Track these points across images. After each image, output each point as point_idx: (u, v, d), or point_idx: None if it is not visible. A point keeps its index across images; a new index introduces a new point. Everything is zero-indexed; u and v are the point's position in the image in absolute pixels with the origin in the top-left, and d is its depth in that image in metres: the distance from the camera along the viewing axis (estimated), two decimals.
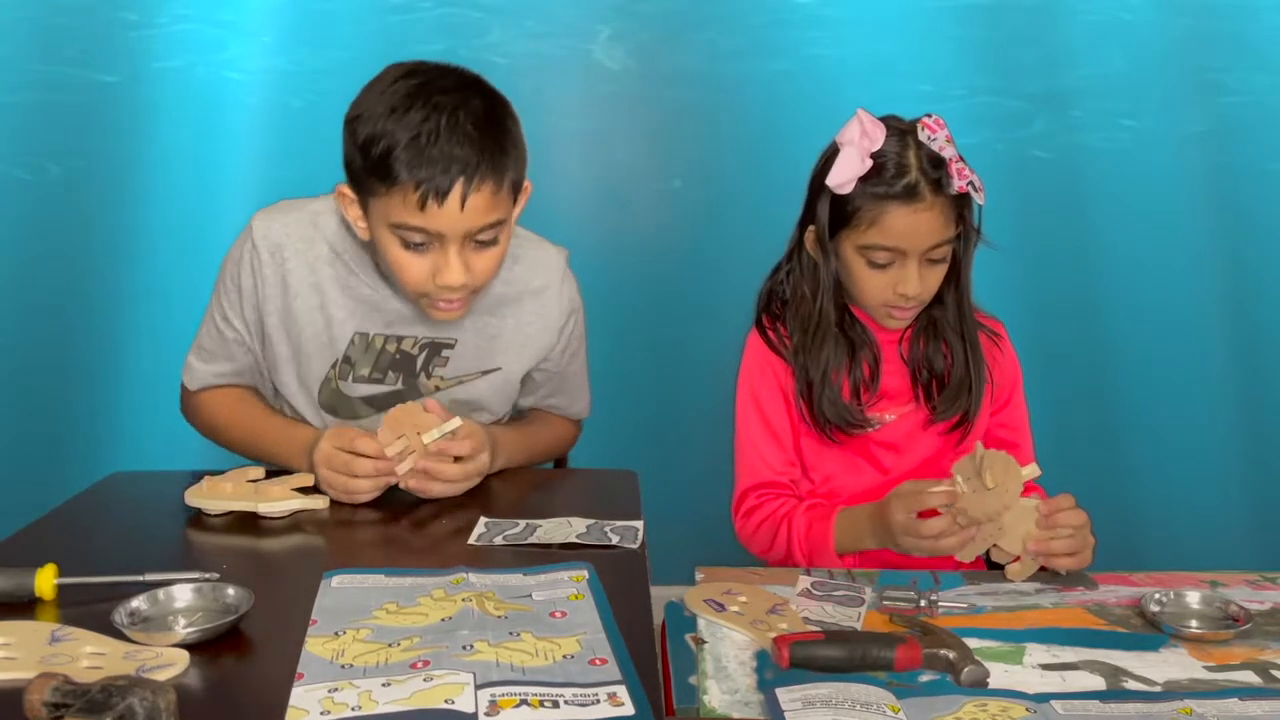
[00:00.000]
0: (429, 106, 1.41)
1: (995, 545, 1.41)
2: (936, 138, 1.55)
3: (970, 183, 1.55)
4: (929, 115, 1.57)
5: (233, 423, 1.66)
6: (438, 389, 1.65)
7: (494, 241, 1.49)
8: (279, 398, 1.71)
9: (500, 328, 1.66)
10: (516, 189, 1.51)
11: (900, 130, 1.57)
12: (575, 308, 1.72)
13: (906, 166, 1.54)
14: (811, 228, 1.64)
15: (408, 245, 1.46)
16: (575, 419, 1.84)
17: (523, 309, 1.67)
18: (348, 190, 1.50)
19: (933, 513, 1.43)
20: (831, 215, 1.60)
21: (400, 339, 1.62)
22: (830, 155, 1.60)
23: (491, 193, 1.43)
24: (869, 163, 1.55)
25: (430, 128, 1.40)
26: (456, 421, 1.49)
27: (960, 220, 1.60)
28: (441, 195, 1.40)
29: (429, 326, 1.62)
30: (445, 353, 1.64)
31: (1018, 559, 1.41)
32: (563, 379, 1.76)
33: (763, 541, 1.65)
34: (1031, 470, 1.41)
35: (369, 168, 1.43)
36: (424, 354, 1.63)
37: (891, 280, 1.59)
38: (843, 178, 1.55)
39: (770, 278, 1.75)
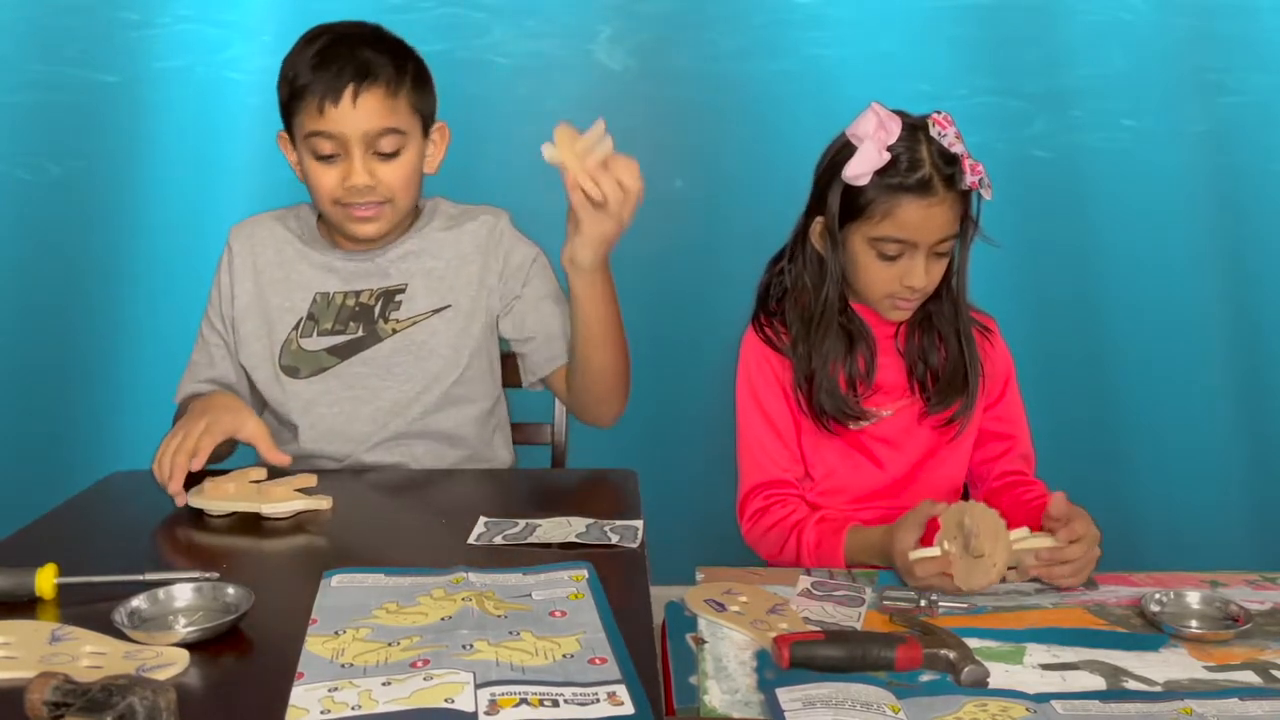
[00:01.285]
0: (333, 35, 1.66)
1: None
2: (946, 134, 1.56)
3: (980, 179, 1.57)
4: (938, 112, 1.58)
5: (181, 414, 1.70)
6: (395, 331, 1.74)
7: (396, 154, 1.66)
8: (240, 380, 1.79)
9: (445, 270, 1.77)
10: (423, 115, 1.70)
11: (911, 125, 1.58)
12: (521, 242, 1.80)
13: (920, 161, 1.55)
14: (818, 219, 1.64)
15: (319, 156, 1.64)
16: None
17: (465, 252, 1.78)
18: (284, 134, 1.71)
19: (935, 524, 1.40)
20: (842, 207, 1.61)
21: (358, 293, 1.75)
22: (839, 147, 1.61)
23: (384, 96, 1.62)
24: (886, 156, 1.55)
25: (330, 47, 1.64)
26: (607, 142, 1.45)
27: (964, 215, 1.62)
28: (336, 95, 1.60)
29: (382, 278, 1.75)
30: (398, 297, 1.75)
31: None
32: (542, 312, 1.76)
33: (771, 547, 1.65)
34: (1021, 534, 1.37)
35: (288, 95, 1.65)
36: (380, 303, 1.75)
37: (899, 272, 1.60)
38: (860, 170, 1.56)
39: (769, 269, 1.75)
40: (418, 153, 1.70)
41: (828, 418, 1.66)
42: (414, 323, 1.74)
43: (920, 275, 1.59)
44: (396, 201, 1.69)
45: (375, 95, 1.61)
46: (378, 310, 1.74)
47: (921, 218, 1.56)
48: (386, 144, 1.64)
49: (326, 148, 1.63)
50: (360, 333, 1.74)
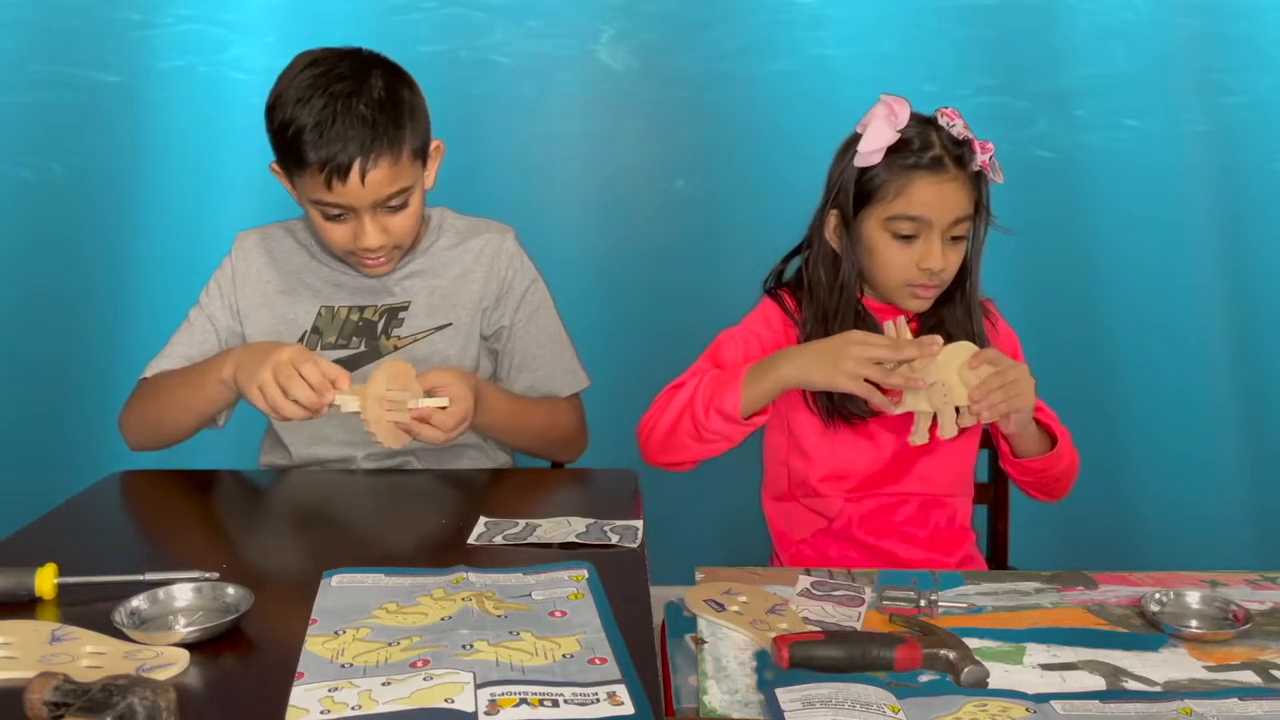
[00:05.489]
0: (327, 95, 1.58)
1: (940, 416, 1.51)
2: (955, 124, 1.59)
3: (990, 158, 1.59)
4: (945, 107, 1.61)
5: (163, 380, 1.71)
6: (396, 348, 1.75)
7: (405, 205, 1.66)
8: None
9: (449, 288, 1.78)
10: (422, 154, 1.68)
11: (921, 119, 1.62)
12: (523, 268, 1.82)
13: (931, 142, 1.59)
14: (833, 212, 1.65)
15: (327, 217, 1.64)
16: (566, 395, 1.83)
17: (468, 270, 1.79)
18: (278, 168, 1.67)
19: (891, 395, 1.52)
20: (855, 194, 1.62)
21: (362, 309, 1.76)
22: (852, 141, 1.63)
23: (389, 165, 1.59)
24: (896, 135, 1.58)
25: (327, 115, 1.57)
26: (444, 402, 1.54)
27: (978, 203, 1.63)
28: (343, 173, 1.57)
29: (387, 295, 1.76)
30: (401, 314, 1.76)
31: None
32: (528, 353, 1.80)
33: (656, 410, 1.63)
34: (969, 346, 1.51)
35: (284, 151, 1.61)
36: (383, 319, 1.76)
37: (915, 255, 1.60)
38: (872, 146, 1.58)
39: (783, 261, 1.76)
40: (421, 190, 1.70)
41: (835, 412, 1.66)
42: (414, 340, 1.75)
43: (937, 257, 1.59)
44: (405, 244, 1.71)
45: (382, 168, 1.59)
46: (380, 326, 1.75)
47: (935, 194, 1.57)
48: (395, 201, 1.64)
49: (335, 212, 1.62)
50: (362, 348, 1.74)
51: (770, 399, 1.55)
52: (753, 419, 1.55)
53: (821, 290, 1.68)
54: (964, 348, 1.51)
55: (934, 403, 1.51)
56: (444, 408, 1.54)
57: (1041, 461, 1.64)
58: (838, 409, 1.65)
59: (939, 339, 1.49)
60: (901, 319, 1.53)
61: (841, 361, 1.48)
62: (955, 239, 1.61)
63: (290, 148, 1.59)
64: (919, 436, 1.53)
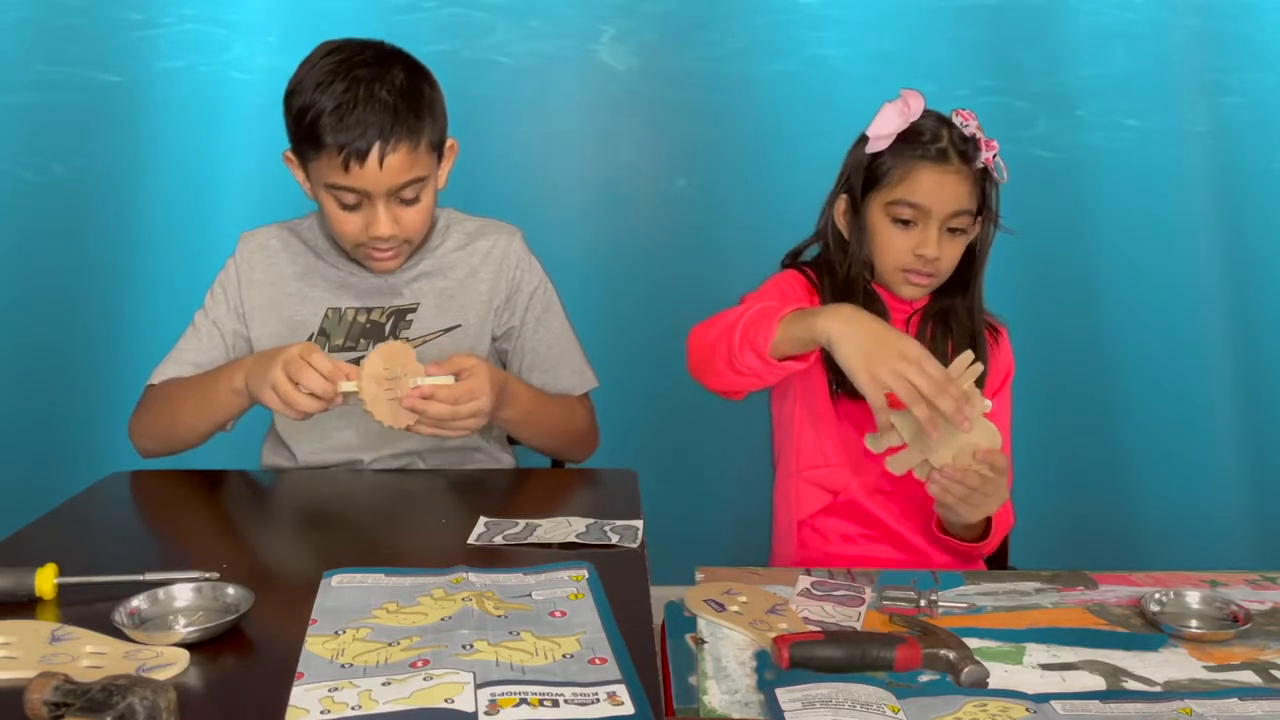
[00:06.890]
0: (349, 79, 1.58)
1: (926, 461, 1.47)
2: (969, 125, 1.63)
3: (996, 155, 1.63)
4: (963, 109, 1.64)
5: (174, 388, 1.70)
6: None
7: (417, 199, 1.65)
8: None
9: (458, 289, 1.78)
10: (438, 149, 1.68)
11: (937, 115, 1.66)
12: (531, 269, 1.82)
13: (940, 135, 1.63)
14: (843, 197, 1.69)
15: (342, 204, 1.63)
16: (578, 394, 1.83)
17: (476, 271, 1.79)
18: (293, 156, 1.66)
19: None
20: (864, 179, 1.66)
21: (369, 310, 1.75)
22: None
23: (407, 152, 1.59)
24: (906, 124, 1.62)
25: (349, 98, 1.57)
26: (449, 379, 1.52)
27: (982, 203, 1.65)
28: (361, 156, 1.57)
29: (394, 297, 1.76)
30: (409, 316, 1.75)
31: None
32: (538, 353, 1.80)
33: (709, 323, 1.60)
34: (996, 435, 1.46)
35: (302, 135, 1.60)
36: (391, 321, 1.75)
37: (913, 242, 1.63)
38: (881, 131, 1.63)
39: (802, 245, 1.78)
40: (434, 186, 1.69)
41: (839, 390, 1.66)
42: (424, 341, 1.74)
43: (933, 244, 1.61)
44: (415, 239, 1.71)
45: (400, 154, 1.58)
46: (388, 328, 1.74)
47: (936, 184, 1.61)
48: (409, 192, 1.63)
49: (350, 199, 1.61)
50: (370, 350, 1.71)
51: (803, 348, 1.46)
52: (785, 363, 1.47)
53: (835, 268, 1.71)
54: (992, 435, 1.46)
55: (915, 441, 1.45)
56: (449, 385, 1.51)
57: (961, 545, 1.65)
58: (844, 387, 1.65)
59: (969, 425, 1.40)
60: (969, 354, 1.46)
61: (882, 358, 1.38)
62: (953, 231, 1.64)
63: (309, 131, 1.58)
64: (895, 464, 1.48)
